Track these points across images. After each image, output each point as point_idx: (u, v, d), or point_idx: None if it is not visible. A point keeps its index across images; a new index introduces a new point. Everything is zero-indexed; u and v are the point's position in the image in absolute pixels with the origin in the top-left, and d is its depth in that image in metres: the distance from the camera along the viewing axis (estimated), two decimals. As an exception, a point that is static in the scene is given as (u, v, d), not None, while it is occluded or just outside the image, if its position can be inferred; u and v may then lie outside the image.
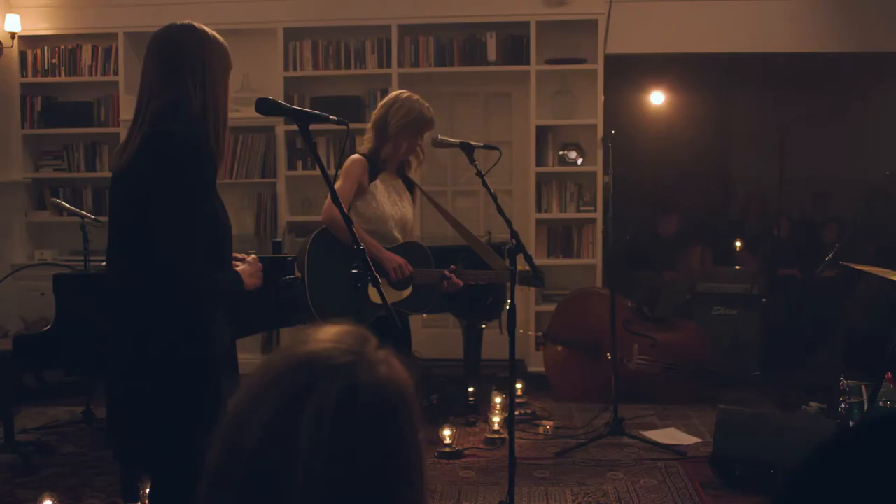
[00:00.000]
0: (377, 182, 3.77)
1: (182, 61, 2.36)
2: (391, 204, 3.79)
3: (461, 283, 3.81)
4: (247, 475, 0.86)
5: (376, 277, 2.61)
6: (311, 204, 6.65)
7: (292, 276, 3.58)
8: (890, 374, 3.69)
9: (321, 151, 6.56)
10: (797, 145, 6.55)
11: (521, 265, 3.58)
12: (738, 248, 7.19)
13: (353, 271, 2.65)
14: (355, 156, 3.78)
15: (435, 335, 6.37)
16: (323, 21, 6.40)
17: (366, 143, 3.85)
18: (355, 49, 6.47)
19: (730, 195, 8.33)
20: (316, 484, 0.85)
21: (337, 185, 3.58)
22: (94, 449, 4.81)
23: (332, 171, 6.48)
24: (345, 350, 0.91)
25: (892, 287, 5.99)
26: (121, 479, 3.87)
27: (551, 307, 6.15)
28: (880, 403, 2.82)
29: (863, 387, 3.11)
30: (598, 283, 6.45)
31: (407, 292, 3.76)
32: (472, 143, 3.60)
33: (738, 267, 6.80)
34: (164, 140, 2.29)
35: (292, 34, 6.45)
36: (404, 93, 3.89)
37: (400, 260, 3.67)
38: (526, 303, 6.26)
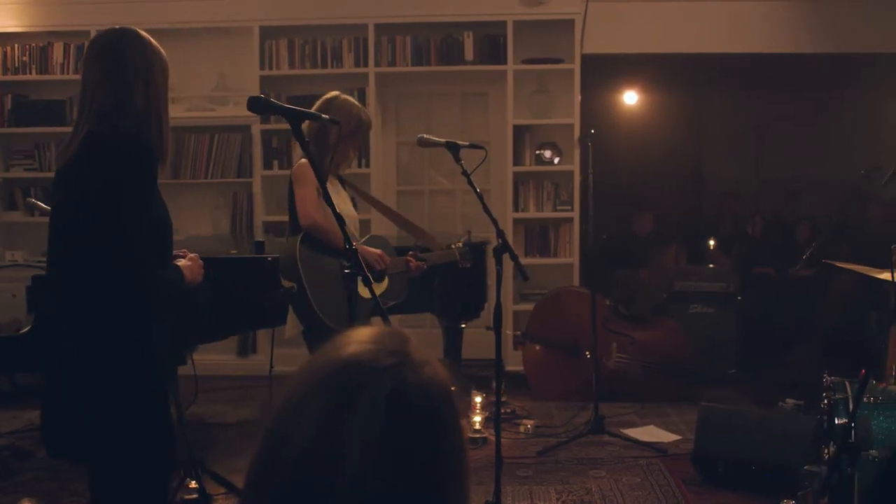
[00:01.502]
0: (327, 185, 3.66)
1: (124, 62, 2.38)
2: (341, 203, 3.64)
3: (424, 266, 3.87)
4: (293, 477, 0.85)
5: (368, 277, 2.62)
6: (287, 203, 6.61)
7: (283, 289, 3.57)
8: (864, 371, 3.74)
9: (296, 153, 6.51)
10: (772, 145, 6.62)
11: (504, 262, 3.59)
12: (711, 248, 7.26)
13: (346, 270, 2.64)
14: (303, 160, 3.57)
15: (415, 336, 6.33)
16: (299, 20, 6.36)
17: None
18: (332, 48, 6.44)
19: (704, 194, 8.40)
20: (367, 485, 0.84)
21: (304, 192, 3.55)
22: (71, 453, 4.72)
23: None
24: (389, 351, 0.91)
25: (864, 285, 6.11)
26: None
27: (529, 306, 6.17)
28: (865, 400, 2.85)
29: (846, 383, 3.14)
30: (576, 282, 6.47)
31: (385, 284, 3.79)
32: (457, 142, 3.59)
33: (712, 266, 6.86)
34: (108, 138, 2.31)
35: (268, 33, 6.40)
36: (338, 97, 3.72)
37: (377, 251, 3.70)
38: (504, 302, 6.26)
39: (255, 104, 2.50)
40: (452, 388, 0.93)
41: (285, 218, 6.44)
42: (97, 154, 2.31)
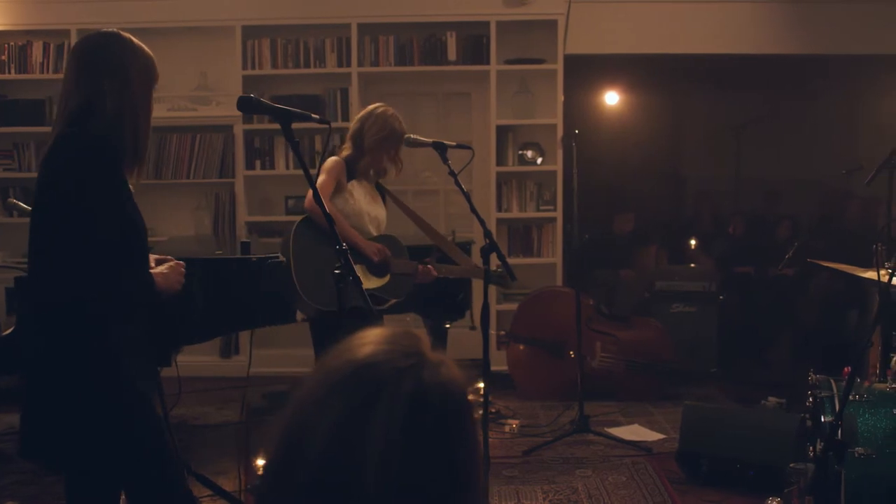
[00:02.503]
0: (354, 182, 3.92)
1: (98, 64, 2.37)
2: (367, 203, 3.95)
3: (435, 273, 3.98)
4: (313, 479, 0.85)
5: (358, 278, 2.62)
6: (270, 204, 6.59)
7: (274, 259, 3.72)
8: (848, 369, 3.78)
9: (279, 153, 6.51)
10: (752, 145, 6.67)
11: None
12: (692, 247, 7.30)
13: (336, 271, 2.64)
14: (335, 157, 3.91)
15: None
16: (282, 19, 6.34)
17: (345, 150, 3.97)
18: (315, 48, 6.42)
19: (683, 194, 8.45)
20: (388, 486, 0.84)
21: (319, 181, 3.73)
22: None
23: (290, 171, 6.45)
24: (406, 352, 0.91)
25: (843, 284, 6.18)
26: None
27: (513, 306, 6.18)
28: (851, 398, 2.88)
29: (832, 381, 3.17)
30: (559, 282, 6.49)
31: (385, 279, 3.89)
32: (444, 142, 3.60)
33: (693, 265, 6.90)
34: (75, 138, 2.31)
35: (251, 32, 6.37)
36: (379, 107, 3.98)
37: (379, 245, 3.85)
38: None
39: (245, 104, 2.49)
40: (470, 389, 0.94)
41: (268, 218, 6.51)
42: (63, 154, 2.31)
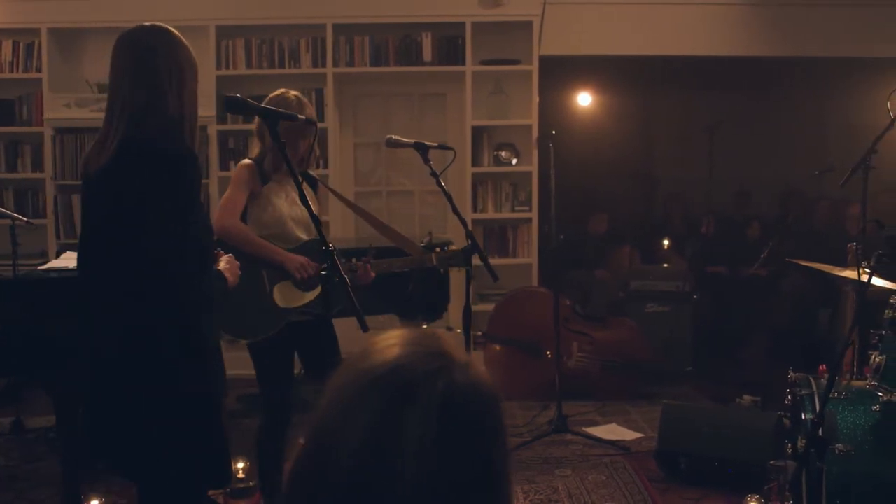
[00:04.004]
0: (270, 185, 3.46)
1: (155, 62, 2.33)
2: (288, 204, 3.48)
3: (372, 273, 3.48)
4: (346, 482, 0.85)
5: (345, 278, 2.58)
6: (245, 205, 6.54)
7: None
8: (824, 367, 3.83)
9: (254, 152, 6.45)
10: (724, 146, 6.73)
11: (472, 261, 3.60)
12: (665, 248, 7.36)
13: (323, 272, 2.62)
14: (244, 161, 3.48)
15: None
16: (256, 19, 6.30)
17: (254, 147, 3.57)
18: (289, 48, 6.39)
19: (657, 195, 8.51)
20: (424, 487, 0.84)
21: (226, 195, 3.40)
22: (27, 461, 4.62)
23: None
24: (434, 353, 0.91)
25: (814, 284, 6.26)
26: (62, 489, 3.73)
27: (489, 307, 6.19)
28: (832, 395, 2.92)
29: (811, 379, 3.21)
30: (534, 282, 6.51)
31: (315, 293, 3.46)
32: (426, 143, 3.59)
33: (666, 265, 6.96)
34: (152, 144, 2.26)
35: (225, 32, 6.33)
36: (279, 94, 3.49)
37: (302, 259, 3.36)
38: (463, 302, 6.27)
39: (232, 104, 2.48)
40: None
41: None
42: (143, 161, 2.26)
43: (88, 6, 6.12)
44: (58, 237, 6.22)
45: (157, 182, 2.25)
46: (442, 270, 3.99)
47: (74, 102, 6.15)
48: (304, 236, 3.48)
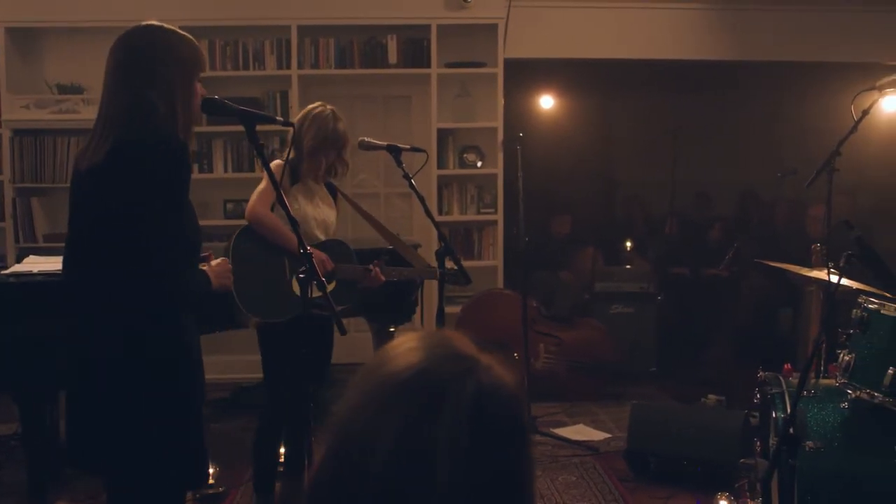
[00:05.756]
0: (298, 185, 3.72)
1: (144, 62, 2.32)
2: (313, 206, 3.75)
3: (382, 278, 3.74)
4: (377, 490, 0.84)
5: (323, 282, 2.61)
6: (208, 208, 6.47)
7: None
8: (788, 365, 3.89)
9: (217, 155, 6.40)
10: (685, 148, 6.82)
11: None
12: (628, 249, 7.43)
13: (301, 275, 2.62)
14: (277, 161, 3.69)
15: (343, 339, 6.29)
16: (220, 20, 6.24)
17: (291, 153, 3.70)
18: (254, 49, 6.35)
19: (619, 197, 8.59)
20: (457, 490, 0.83)
21: (260, 187, 3.58)
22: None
23: (229, 175, 6.35)
24: (458, 355, 0.91)
25: (774, 285, 6.37)
26: (28, 497, 3.67)
27: (455, 309, 6.19)
28: (804, 394, 2.97)
29: (780, 378, 3.26)
30: (500, 284, 6.53)
31: (330, 287, 3.62)
32: (399, 145, 3.60)
33: (629, 266, 7.02)
34: (144, 142, 2.24)
35: (189, 33, 6.21)
36: (317, 107, 3.74)
37: (321, 255, 3.59)
38: (430, 305, 6.27)
39: (209, 106, 2.46)
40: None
41: (207, 222, 6.38)
42: (135, 159, 2.24)
43: (48, 5, 6.01)
44: (17, 241, 6.09)
45: (149, 180, 2.23)
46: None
47: (33, 104, 6.03)
48: (322, 237, 3.77)
